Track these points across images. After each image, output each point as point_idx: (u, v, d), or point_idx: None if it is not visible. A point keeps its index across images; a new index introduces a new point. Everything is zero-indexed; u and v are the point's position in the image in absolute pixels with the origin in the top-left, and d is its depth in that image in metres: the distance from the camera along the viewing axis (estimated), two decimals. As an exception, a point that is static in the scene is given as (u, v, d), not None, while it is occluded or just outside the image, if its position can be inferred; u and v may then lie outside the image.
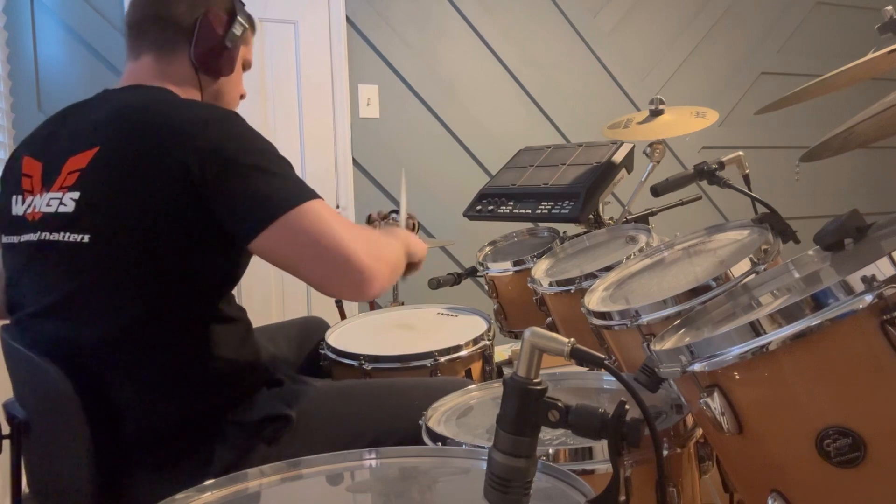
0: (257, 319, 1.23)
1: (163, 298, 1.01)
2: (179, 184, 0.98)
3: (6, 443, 1.09)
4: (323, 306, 2.82)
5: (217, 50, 1.18)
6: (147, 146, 1.00)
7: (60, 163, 1.05)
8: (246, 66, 1.29)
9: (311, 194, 1.02)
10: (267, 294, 2.92)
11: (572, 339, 0.68)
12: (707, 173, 1.42)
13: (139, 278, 1.00)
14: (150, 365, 1.02)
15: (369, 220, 2.30)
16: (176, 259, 1.01)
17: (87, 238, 1.00)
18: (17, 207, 1.09)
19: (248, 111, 2.96)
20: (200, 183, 0.98)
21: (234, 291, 1.15)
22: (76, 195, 1.02)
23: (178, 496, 0.77)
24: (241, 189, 0.99)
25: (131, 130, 1.03)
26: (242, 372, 1.11)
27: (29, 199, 1.08)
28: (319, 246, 0.99)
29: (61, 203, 1.02)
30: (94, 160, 1.02)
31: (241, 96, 1.32)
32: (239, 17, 1.20)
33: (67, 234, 1.01)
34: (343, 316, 2.03)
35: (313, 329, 1.70)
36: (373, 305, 2.31)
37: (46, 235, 1.03)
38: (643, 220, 1.99)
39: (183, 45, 1.16)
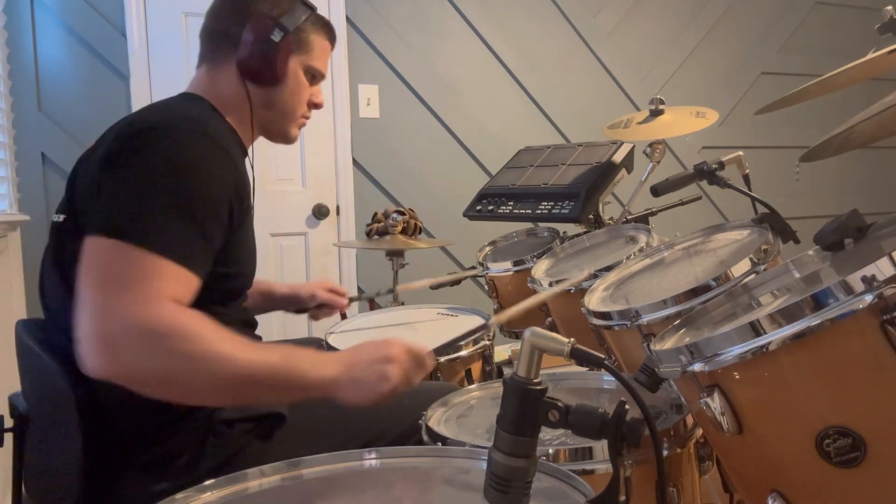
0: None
1: None
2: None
3: (9, 436, 1.10)
4: (323, 324, 2.81)
5: (257, 58, 1.15)
6: (107, 142, 1.03)
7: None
8: (312, 73, 1.22)
9: (157, 245, 0.89)
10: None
11: (572, 339, 0.68)
12: (707, 173, 1.42)
13: None
14: None
15: (374, 219, 2.30)
16: None
17: (62, 218, 1.05)
18: None
19: (248, 111, 2.96)
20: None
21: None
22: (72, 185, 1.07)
23: (179, 496, 0.77)
24: (106, 191, 0.95)
25: (113, 129, 1.07)
26: None
27: None
28: (93, 287, 0.88)
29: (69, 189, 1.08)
30: (89, 151, 1.08)
31: (317, 105, 1.26)
32: (282, 22, 1.15)
33: (60, 215, 1.07)
34: (343, 316, 2.03)
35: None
36: (372, 306, 2.31)
37: (56, 217, 1.09)
38: (643, 220, 1.99)
39: (230, 55, 1.16)
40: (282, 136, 1.26)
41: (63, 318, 1.01)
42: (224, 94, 1.17)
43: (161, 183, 0.95)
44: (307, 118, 1.26)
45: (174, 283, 0.90)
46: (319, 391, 0.93)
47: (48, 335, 1.04)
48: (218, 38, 1.17)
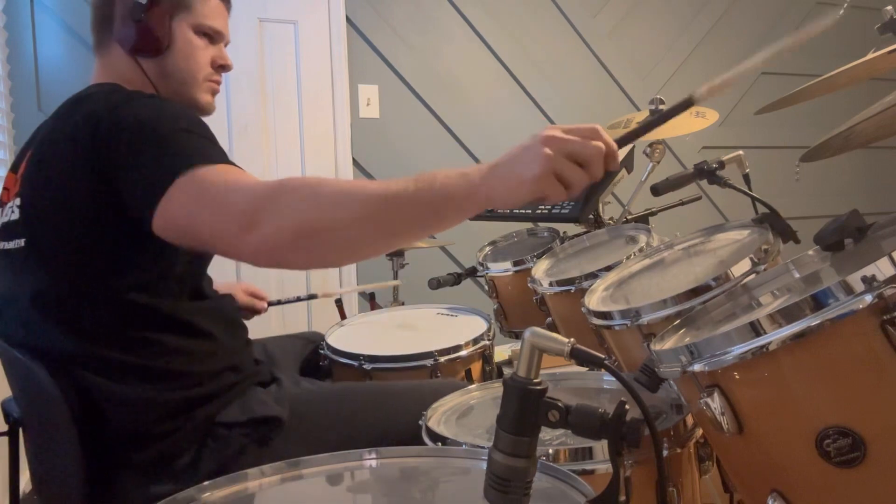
0: (256, 332, 1.23)
1: (106, 302, 1.00)
2: (88, 175, 0.96)
3: (4, 441, 1.10)
4: (323, 319, 2.77)
5: (131, 28, 1.10)
6: (59, 141, 1.01)
7: (17, 172, 1.08)
8: (205, 32, 1.16)
9: (205, 158, 0.91)
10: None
11: (572, 339, 0.68)
12: (707, 173, 1.42)
13: (78, 283, 0.99)
14: (118, 368, 1.01)
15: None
16: (105, 259, 0.99)
17: (22, 242, 1.02)
18: None
19: (249, 111, 2.95)
20: (105, 170, 0.95)
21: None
22: (19, 201, 1.04)
23: (179, 496, 0.77)
24: (136, 169, 0.93)
25: (52, 128, 1.04)
26: (220, 371, 1.10)
27: (2, 210, 1.10)
28: (211, 199, 0.88)
29: (12, 211, 1.05)
30: (27, 163, 1.05)
31: (224, 67, 1.19)
32: None
33: (15, 241, 1.03)
34: (343, 316, 2.02)
35: (313, 343, 1.67)
36: (373, 305, 2.31)
37: (3, 244, 1.06)
38: (643, 220, 1.99)
39: (111, 35, 1.12)
40: (192, 106, 1.17)
41: (28, 326, 1.01)
42: (125, 76, 1.12)
43: (160, 129, 0.94)
44: (217, 82, 1.19)
45: (243, 172, 0.93)
46: (469, 199, 0.83)
47: (30, 337, 1.03)
48: (98, 24, 1.14)
